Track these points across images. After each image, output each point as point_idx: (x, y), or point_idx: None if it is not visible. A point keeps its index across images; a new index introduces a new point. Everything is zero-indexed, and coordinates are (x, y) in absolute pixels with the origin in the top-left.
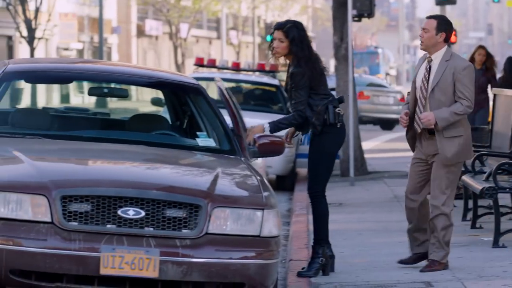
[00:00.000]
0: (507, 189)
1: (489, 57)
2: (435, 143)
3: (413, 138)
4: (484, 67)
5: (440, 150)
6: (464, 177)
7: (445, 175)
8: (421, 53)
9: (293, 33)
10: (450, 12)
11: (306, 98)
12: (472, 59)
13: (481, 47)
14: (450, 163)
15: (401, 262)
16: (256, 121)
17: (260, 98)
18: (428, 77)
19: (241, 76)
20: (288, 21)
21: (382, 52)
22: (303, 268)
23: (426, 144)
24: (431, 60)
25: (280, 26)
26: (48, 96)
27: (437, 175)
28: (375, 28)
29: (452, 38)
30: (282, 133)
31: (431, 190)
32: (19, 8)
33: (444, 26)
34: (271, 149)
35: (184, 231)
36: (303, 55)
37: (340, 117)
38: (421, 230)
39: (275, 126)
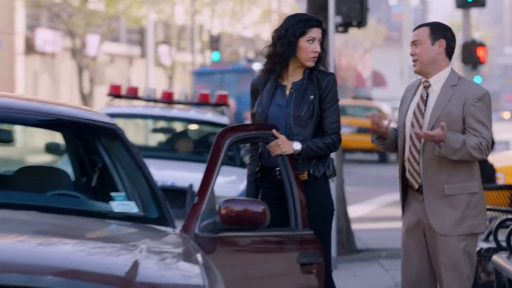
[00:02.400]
0: None
1: None
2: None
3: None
4: None
5: (438, 215)
6: (496, 257)
7: (462, 255)
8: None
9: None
10: (477, 18)
11: None
12: None
13: None
14: (461, 234)
15: None
16: (196, 175)
17: (202, 144)
18: (425, 109)
19: (175, 111)
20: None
21: None
22: None
23: (423, 208)
24: (429, 85)
25: (320, 23)
26: None
27: (451, 257)
28: (369, 43)
29: (481, 54)
30: (231, 192)
31: (445, 280)
32: None
33: (441, 32)
34: (245, 221)
35: None
36: None
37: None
38: None
39: (308, 149)
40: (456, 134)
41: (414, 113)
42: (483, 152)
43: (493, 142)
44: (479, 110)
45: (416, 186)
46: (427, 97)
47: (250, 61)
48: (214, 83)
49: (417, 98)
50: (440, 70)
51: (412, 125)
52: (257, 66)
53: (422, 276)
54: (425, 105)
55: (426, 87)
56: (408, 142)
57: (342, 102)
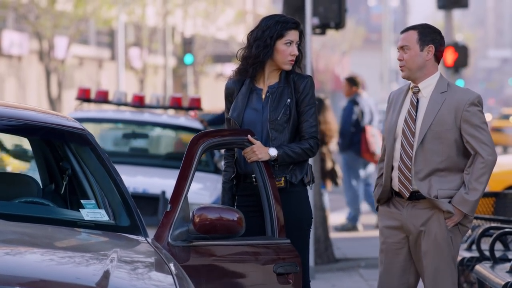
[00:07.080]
0: None
1: None
2: (425, 208)
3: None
4: None
5: (426, 224)
6: (479, 267)
7: (447, 258)
8: None
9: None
10: (460, 20)
11: None
12: None
13: None
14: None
15: None
16: (169, 182)
17: (175, 149)
18: (416, 115)
19: (146, 116)
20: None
21: None
22: None
23: (410, 214)
24: (419, 90)
25: (298, 25)
26: None
27: (436, 261)
28: (348, 45)
29: (463, 57)
30: (205, 200)
31: (433, 284)
32: None
33: (429, 36)
34: (220, 229)
35: None
36: None
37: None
38: None
39: (284, 155)
40: (470, 194)
41: (406, 120)
42: (491, 162)
43: None
44: (473, 115)
45: (407, 194)
46: (417, 102)
47: None
48: None
49: (407, 105)
50: (429, 75)
51: (403, 132)
52: None
53: (406, 283)
54: (416, 111)
55: (416, 93)
56: (399, 150)
57: None
